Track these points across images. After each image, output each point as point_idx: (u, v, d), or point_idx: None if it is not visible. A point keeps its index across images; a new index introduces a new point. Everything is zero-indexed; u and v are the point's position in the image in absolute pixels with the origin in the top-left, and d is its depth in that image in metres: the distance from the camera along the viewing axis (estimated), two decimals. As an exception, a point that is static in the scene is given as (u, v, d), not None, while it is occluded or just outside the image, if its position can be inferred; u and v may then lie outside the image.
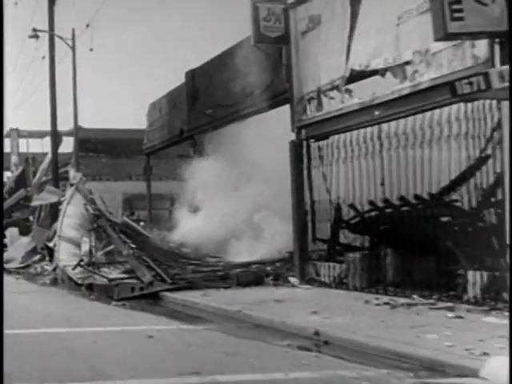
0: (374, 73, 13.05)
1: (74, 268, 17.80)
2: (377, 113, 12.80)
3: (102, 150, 36.59)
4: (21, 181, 51.78)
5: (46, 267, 25.30)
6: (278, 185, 16.61)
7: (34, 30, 29.17)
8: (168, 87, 23.52)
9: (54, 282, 20.73)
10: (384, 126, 13.21)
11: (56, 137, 28.53)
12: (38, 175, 30.27)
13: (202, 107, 20.45)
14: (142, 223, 30.25)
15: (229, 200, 19.18)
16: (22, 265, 26.56)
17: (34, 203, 28.59)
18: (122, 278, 15.50)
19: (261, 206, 18.76)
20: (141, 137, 40.03)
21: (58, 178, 28.62)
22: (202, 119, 20.43)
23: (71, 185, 25.19)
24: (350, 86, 13.88)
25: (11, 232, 29.25)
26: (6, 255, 27.57)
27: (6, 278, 22.83)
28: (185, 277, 15.12)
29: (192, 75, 21.27)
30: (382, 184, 13.61)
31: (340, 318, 10.41)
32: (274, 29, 15.29)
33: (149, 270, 15.32)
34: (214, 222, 19.65)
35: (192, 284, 14.93)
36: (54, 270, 21.90)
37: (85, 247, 22.62)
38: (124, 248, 17.10)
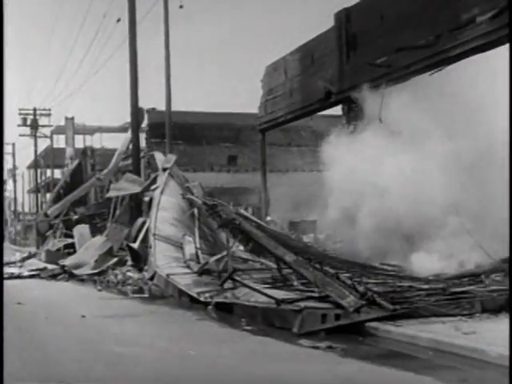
0: None
1: (222, 283, 12.04)
2: None
3: (178, 135, 30.94)
4: (77, 175, 46.78)
5: (129, 274, 19.69)
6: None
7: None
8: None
9: (152, 296, 15.04)
10: None
11: (137, 113, 22.96)
12: (113, 160, 24.62)
13: (366, 56, 14.57)
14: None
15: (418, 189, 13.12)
16: (96, 270, 20.97)
17: (111, 194, 23.03)
18: (297, 300, 9.65)
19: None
20: (225, 121, 34.46)
21: (139, 163, 22.99)
22: (364, 73, 14.56)
23: (164, 169, 19.52)
24: None
25: (80, 231, 23.71)
26: (74, 258, 22.02)
27: (81, 289, 17.27)
28: (410, 299, 9.18)
29: (346, 16, 15.39)
30: None
31: None
32: None
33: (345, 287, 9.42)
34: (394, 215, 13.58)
35: (416, 310, 9.05)
36: (151, 278, 16.19)
37: (189, 249, 16.91)
38: (282, 252, 11.22)
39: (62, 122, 54.52)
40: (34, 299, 14.09)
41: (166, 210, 18.09)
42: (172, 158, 20.06)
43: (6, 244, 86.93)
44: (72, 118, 50.43)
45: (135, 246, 19.97)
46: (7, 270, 24.06)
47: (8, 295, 15.59)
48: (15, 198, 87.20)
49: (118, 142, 60.19)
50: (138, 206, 22.39)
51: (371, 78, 14.28)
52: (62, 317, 11.16)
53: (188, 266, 16.24)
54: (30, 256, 27.46)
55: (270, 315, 9.93)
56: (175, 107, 32.04)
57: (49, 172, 70.44)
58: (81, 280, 19.90)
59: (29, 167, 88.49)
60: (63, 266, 21.17)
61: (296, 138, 35.17)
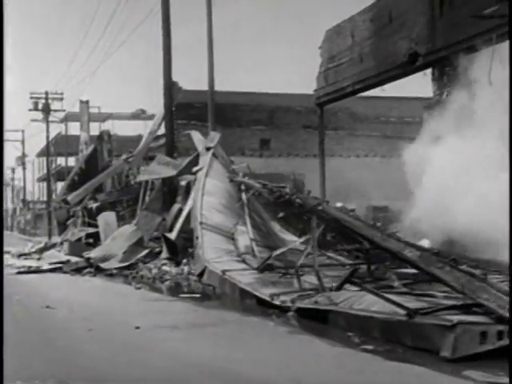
0: None
1: (340, 286, 9.28)
2: None
3: (206, 117, 28.34)
4: (92, 161, 44.27)
5: (164, 268, 17.19)
6: None
7: None
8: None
9: (206, 297, 12.47)
10: None
11: (171, 87, 20.33)
12: (143, 141, 21.93)
13: (468, 7, 11.90)
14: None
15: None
16: (125, 264, 18.45)
17: (141, 178, 20.44)
18: (435, 310, 7.07)
19: None
20: (257, 102, 31.81)
21: (173, 144, 20.38)
22: (464, 28, 11.90)
23: (207, 149, 16.94)
24: None
25: (105, 219, 21.13)
26: (100, 250, 19.48)
27: (113, 286, 14.75)
28: None
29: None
30: None
31: None
32: None
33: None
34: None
35: None
36: (200, 275, 13.62)
37: (243, 241, 14.33)
38: (396, 245, 8.60)
39: (76, 108, 51.99)
40: (64, 300, 11.54)
41: (212, 195, 15.50)
42: (216, 136, 17.47)
43: (15, 234, 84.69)
44: (87, 102, 47.87)
45: (172, 236, 17.43)
46: (23, 262, 21.55)
47: (31, 295, 13.09)
48: (25, 187, 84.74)
49: (129, 129, 57.72)
50: (171, 192, 19.82)
51: (475, 34, 11.64)
52: (109, 328, 8.61)
53: (243, 261, 13.69)
54: (48, 247, 24.94)
55: (397, 330, 7.33)
56: (203, 86, 29.41)
57: (59, 160, 68.07)
58: (109, 275, 17.37)
59: (38, 155, 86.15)
60: (88, 259, 18.64)
61: (333, 120, 32.42)
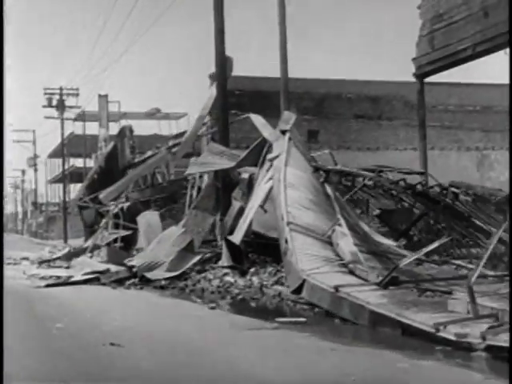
0: None
1: None
2: None
3: (247, 105, 25.16)
4: (112, 159, 41.09)
5: (228, 279, 14.03)
6: None
7: None
8: None
9: (314, 321, 9.22)
10: None
11: (224, 63, 17.08)
12: (191, 129, 18.54)
13: None
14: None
15: None
16: (175, 273, 15.25)
17: (191, 171, 17.18)
18: None
19: None
20: (305, 89, 28.51)
21: (227, 130, 17.11)
22: None
23: (283, 132, 13.73)
24: None
25: (147, 219, 17.88)
26: (144, 257, 16.24)
27: (173, 304, 11.58)
28: None
29: None
30: None
31: None
32: None
33: None
34: None
35: None
36: (297, 291, 10.33)
37: (346, 246, 11.07)
38: None
39: (91, 106, 48.89)
40: (127, 330, 8.33)
41: (296, 189, 12.25)
42: (291, 116, 14.25)
43: (26, 237, 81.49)
44: (105, 96, 44.73)
45: (237, 239, 14.21)
46: (49, 271, 18.37)
47: (76, 320, 9.82)
48: (36, 189, 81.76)
49: (143, 129, 54.58)
50: (227, 187, 16.58)
51: None
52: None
53: (352, 273, 10.46)
54: (75, 252, 21.75)
55: None
56: (243, 71, 26.14)
57: (72, 161, 65.06)
58: (160, 287, 14.15)
59: (50, 156, 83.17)
60: (131, 268, 15.43)
61: (387, 109, 29.22)
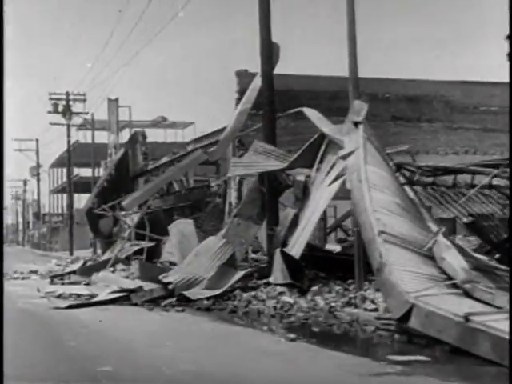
0: None
1: None
2: None
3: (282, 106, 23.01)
4: (123, 166, 38.89)
5: (285, 299, 11.83)
6: None
7: None
8: None
9: (435, 360, 6.97)
10: None
11: (270, 50, 14.86)
12: (231, 125, 16.20)
13: None
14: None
15: None
16: (218, 291, 13.01)
17: (235, 173, 14.96)
18: None
19: None
20: (337, 87, 26.31)
21: (274, 124, 14.84)
22: None
23: (355, 124, 11.52)
24: None
25: (180, 229, 15.58)
26: (180, 272, 13.94)
27: (236, 333, 9.37)
28: None
29: None
30: None
31: None
32: None
33: None
34: None
35: None
36: (403, 319, 8.07)
37: (455, 261, 8.82)
38: None
39: (96, 116, 46.64)
40: (203, 377, 6.09)
41: (381, 191, 10.02)
42: (363, 106, 12.01)
43: (27, 248, 79.06)
44: (116, 100, 42.47)
45: (296, 253, 11.98)
46: (66, 289, 16.12)
47: (122, 359, 7.57)
48: (39, 199, 79.40)
49: (148, 138, 52.38)
50: (274, 192, 14.35)
51: None
52: None
53: (468, 294, 8.23)
54: (93, 266, 19.48)
55: None
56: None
57: (76, 170, 62.81)
58: (205, 309, 11.90)
59: (53, 165, 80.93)
60: (166, 285, 13.17)
61: (427, 110, 27.00)
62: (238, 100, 24.61)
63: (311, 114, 13.93)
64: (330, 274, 12.87)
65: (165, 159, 32.23)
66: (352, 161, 10.80)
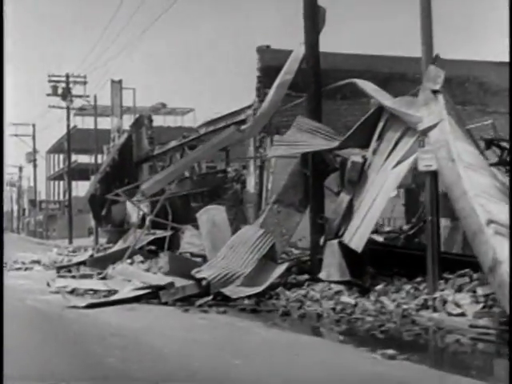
0: None
1: None
2: None
3: (301, 85, 21.17)
4: (126, 151, 37.13)
5: (345, 299, 10.09)
6: None
7: None
8: None
9: None
10: None
11: (315, 14, 13.02)
12: (269, 98, 14.26)
13: None
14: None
15: None
16: (259, 289, 11.24)
17: (276, 153, 13.14)
18: None
19: None
20: (366, 67, 24.53)
21: (319, 97, 13.04)
22: None
23: (434, 92, 9.74)
24: None
25: (211, 216, 13.73)
26: (214, 267, 12.10)
27: (304, 343, 7.54)
28: None
29: None
30: None
31: None
32: None
33: None
34: None
35: None
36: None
37: None
38: None
39: (99, 100, 44.56)
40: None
41: (478, 173, 8.22)
42: (439, 73, 10.21)
43: (23, 236, 77.00)
44: (119, 82, 40.48)
45: (357, 245, 10.21)
46: (79, 283, 14.31)
47: None
48: (35, 186, 77.39)
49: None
50: (320, 175, 12.55)
51: None
52: None
53: None
54: (105, 257, 17.65)
55: None
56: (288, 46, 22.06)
57: (74, 157, 60.87)
58: (251, 310, 10.12)
59: (49, 151, 78.92)
60: (200, 281, 11.37)
61: (459, 92, 24.98)
62: (260, 78, 22.77)
63: (365, 85, 12.14)
64: (391, 270, 11.12)
65: (173, 143, 30.35)
66: (436, 136, 9.02)
